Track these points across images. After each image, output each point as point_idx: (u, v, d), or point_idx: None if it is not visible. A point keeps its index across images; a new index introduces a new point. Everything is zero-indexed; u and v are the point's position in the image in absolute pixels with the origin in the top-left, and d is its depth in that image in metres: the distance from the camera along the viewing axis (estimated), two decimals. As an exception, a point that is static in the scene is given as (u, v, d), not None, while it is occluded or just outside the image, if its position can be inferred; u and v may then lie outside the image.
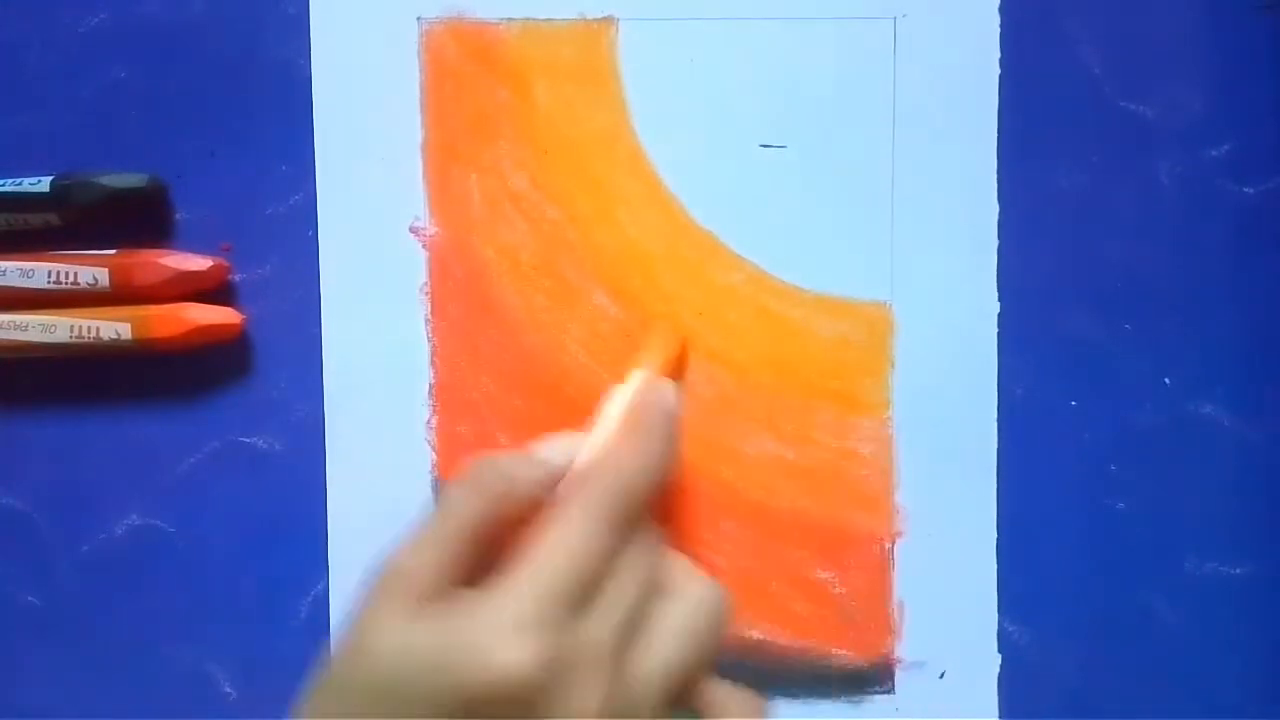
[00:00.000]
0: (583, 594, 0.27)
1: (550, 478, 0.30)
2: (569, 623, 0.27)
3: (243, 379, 0.38)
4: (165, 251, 0.37)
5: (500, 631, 0.26)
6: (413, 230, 0.38)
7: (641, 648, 0.28)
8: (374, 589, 0.28)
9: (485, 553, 0.28)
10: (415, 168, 0.38)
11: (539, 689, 0.26)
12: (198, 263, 0.37)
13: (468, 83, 0.38)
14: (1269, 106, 0.38)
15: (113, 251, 0.37)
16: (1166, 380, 0.39)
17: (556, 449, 0.31)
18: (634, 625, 0.28)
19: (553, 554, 0.27)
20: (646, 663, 0.28)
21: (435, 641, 0.26)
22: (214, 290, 0.37)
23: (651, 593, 0.29)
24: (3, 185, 0.37)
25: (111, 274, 0.36)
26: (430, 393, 0.38)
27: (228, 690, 0.38)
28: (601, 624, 0.27)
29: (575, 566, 0.27)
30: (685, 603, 0.29)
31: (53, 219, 0.37)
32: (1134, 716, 0.39)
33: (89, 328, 0.36)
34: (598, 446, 0.31)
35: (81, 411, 0.38)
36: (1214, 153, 0.38)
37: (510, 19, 0.38)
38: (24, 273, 0.37)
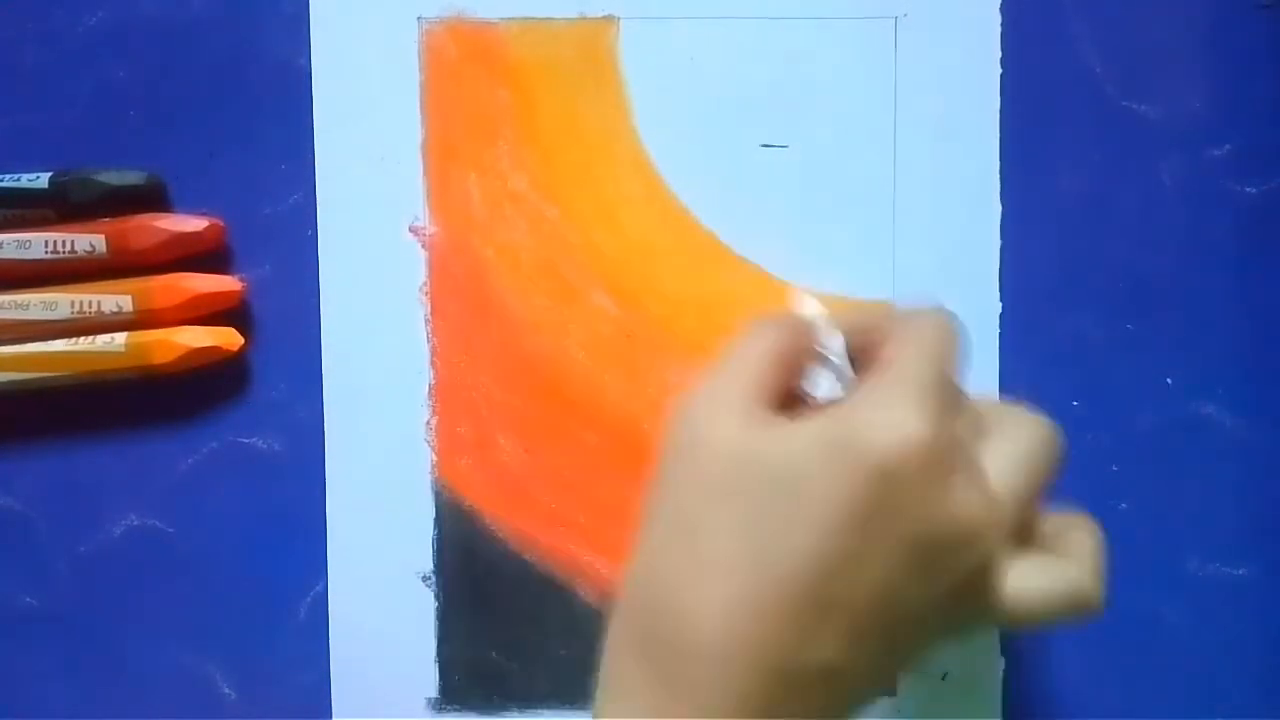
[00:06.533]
0: (949, 394, 0.28)
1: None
2: (944, 414, 0.27)
3: (242, 379, 0.38)
4: (159, 215, 0.37)
5: (897, 405, 0.26)
6: (412, 230, 0.38)
7: (992, 456, 0.28)
8: (694, 408, 0.28)
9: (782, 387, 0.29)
10: (415, 167, 0.38)
11: (935, 464, 0.26)
12: (193, 224, 0.37)
13: (468, 83, 0.38)
14: (1270, 106, 0.38)
15: (107, 219, 0.37)
16: (1168, 380, 0.39)
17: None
18: (985, 438, 0.29)
19: (920, 356, 0.28)
20: (1000, 469, 0.28)
21: (814, 427, 0.27)
22: (212, 256, 0.38)
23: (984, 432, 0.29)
24: (1, 180, 0.37)
25: (108, 240, 0.36)
26: (430, 393, 0.38)
27: (227, 691, 0.38)
28: (963, 426, 0.28)
29: (941, 368, 0.28)
30: (1024, 427, 0.29)
31: (50, 215, 0.37)
32: (1137, 718, 0.38)
33: (90, 302, 0.36)
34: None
35: (79, 412, 0.38)
36: (1216, 152, 0.38)
37: (510, 18, 0.38)
38: (21, 244, 0.37)
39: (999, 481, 0.28)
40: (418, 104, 0.38)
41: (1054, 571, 0.29)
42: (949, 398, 0.27)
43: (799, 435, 0.27)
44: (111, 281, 0.37)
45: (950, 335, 0.29)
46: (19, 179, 0.37)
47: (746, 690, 0.26)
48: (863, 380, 0.29)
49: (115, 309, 0.36)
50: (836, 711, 0.28)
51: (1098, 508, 0.38)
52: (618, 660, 0.29)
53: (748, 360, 0.29)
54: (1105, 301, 0.38)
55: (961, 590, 0.27)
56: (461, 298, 0.38)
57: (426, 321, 0.38)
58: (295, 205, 0.38)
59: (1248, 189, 0.38)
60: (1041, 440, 0.29)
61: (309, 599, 0.38)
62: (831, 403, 0.29)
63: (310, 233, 0.38)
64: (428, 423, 0.38)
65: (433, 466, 0.38)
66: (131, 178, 0.37)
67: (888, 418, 0.26)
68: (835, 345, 0.31)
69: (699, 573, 0.27)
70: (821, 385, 0.30)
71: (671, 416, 0.29)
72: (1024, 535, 0.29)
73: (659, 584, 0.28)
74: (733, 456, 0.27)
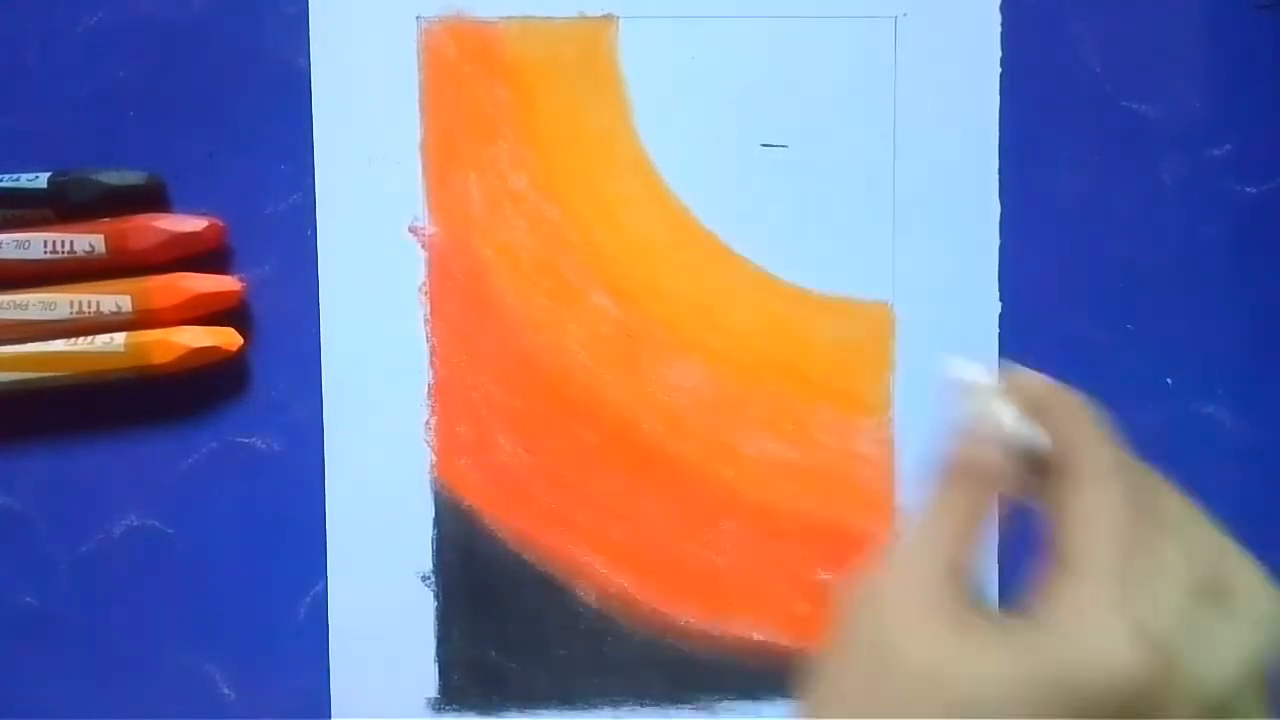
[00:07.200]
0: (1142, 583, 0.24)
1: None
2: (1157, 629, 0.23)
3: (241, 379, 0.38)
4: (159, 215, 0.37)
5: (1101, 630, 0.23)
6: (412, 230, 0.38)
7: (1203, 661, 0.24)
8: (879, 602, 0.25)
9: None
10: (414, 167, 0.38)
11: (1149, 693, 0.23)
12: (192, 224, 0.37)
13: (467, 82, 0.38)
14: (1270, 106, 0.38)
15: (107, 219, 0.37)
16: (1168, 380, 0.39)
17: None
18: (1193, 631, 0.25)
19: (1111, 546, 0.24)
20: (1209, 675, 0.24)
21: (1011, 653, 0.24)
22: (211, 256, 0.37)
23: (1204, 591, 0.25)
24: (0, 180, 0.37)
25: (107, 240, 0.36)
26: (429, 393, 0.38)
27: (226, 691, 0.38)
28: (1168, 626, 0.24)
29: (1128, 551, 0.24)
30: (1247, 623, 0.25)
31: (49, 215, 0.37)
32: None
33: (89, 302, 0.36)
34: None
35: (79, 412, 0.38)
36: (1215, 152, 0.38)
37: (509, 18, 0.38)
38: (20, 244, 0.37)
39: (1219, 676, 0.24)
40: (417, 104, 0.38)
41: None
42: (1159, 596, 0.24)
43: (995, 659, 0.24)
44: (111, 281, 0.37)
45: (1137, 492, 0.25)
46: (18, 179, 0.37)
47: None
48: (1049, 574, 0.25)
49: (114, 309, 0.36)
50: None
51: (1098, 508, 0.39)
52: None
53: (936, 540, 0.26)
54: (1105, 301, 0.38)
55: None
56: (461, 297, 0.38)
57: (426, 321, 0.38)
58: (295, 205, 0.38)
59: (1248, 189, 0.38)
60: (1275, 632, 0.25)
61: (309, 599, 0.38)
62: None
63: (310, 233, 0.38)
64: (427, 422, 0.38)
65: (432, 466, 0.38)
66: (131, 178, 0.37)
67: (1092, 647, 0.23)
68: (1009, 416, 0.27)
69: None
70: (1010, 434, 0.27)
71: (849, 603, 0.26)
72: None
73: None
74: (921, 675, 0.24)
